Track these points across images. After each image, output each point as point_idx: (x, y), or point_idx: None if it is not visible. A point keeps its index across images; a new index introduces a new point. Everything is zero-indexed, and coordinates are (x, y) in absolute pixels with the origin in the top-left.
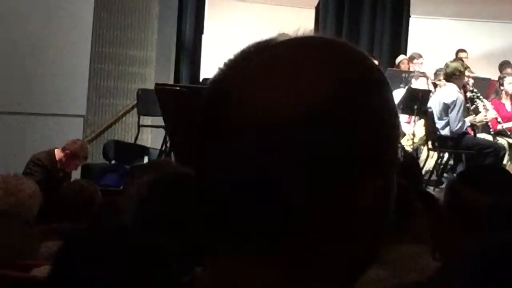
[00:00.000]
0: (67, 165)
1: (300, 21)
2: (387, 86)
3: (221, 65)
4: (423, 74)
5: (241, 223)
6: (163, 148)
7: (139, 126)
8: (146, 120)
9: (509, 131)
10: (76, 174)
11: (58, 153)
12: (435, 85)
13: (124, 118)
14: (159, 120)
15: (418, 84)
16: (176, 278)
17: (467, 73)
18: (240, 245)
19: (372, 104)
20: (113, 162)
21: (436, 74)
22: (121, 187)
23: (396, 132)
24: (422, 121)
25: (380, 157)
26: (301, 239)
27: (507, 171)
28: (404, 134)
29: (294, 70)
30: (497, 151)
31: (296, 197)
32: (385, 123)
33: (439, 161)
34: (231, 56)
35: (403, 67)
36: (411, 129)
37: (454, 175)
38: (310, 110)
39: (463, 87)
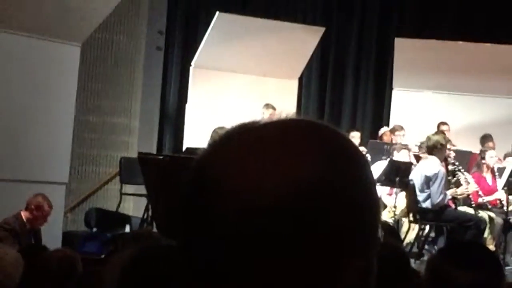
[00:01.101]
0: (36, 220)
1: (283, 92)
2: (367, 167)
3: (206, 145)
4: (405, 146)
5: None
6: (145, 217)
7: (121, 194)
8: (129, 188)
9: (490, 204)
10: (57, 242)
11: (24, 214)
12: (417, 158)
13: (106, 186)
14: (142, 189)
15: (400, 156)
16: None
17: (448, 146)
18: None
19: (354, 187)
20: (94, 230)
21: (420, 147)
22: (102, 255)
23: (376, 213)
24: (404, 193)
25: (360, 238)
26: None
27: (487, 248)
28: (386, 206)
29: (277, 153)
30: (478, 225)
31: (280, 276)
32: (365, 204)
33: (420, 233)
34: (216, 137)
35: (386, 139)
36: (393, 201)
37: (435, 247)
38: (293, 192)
39: (445, 160)
